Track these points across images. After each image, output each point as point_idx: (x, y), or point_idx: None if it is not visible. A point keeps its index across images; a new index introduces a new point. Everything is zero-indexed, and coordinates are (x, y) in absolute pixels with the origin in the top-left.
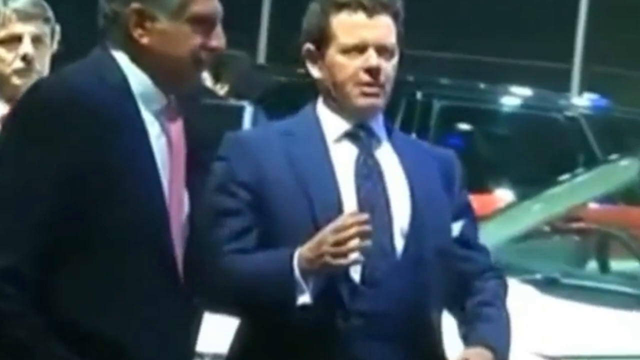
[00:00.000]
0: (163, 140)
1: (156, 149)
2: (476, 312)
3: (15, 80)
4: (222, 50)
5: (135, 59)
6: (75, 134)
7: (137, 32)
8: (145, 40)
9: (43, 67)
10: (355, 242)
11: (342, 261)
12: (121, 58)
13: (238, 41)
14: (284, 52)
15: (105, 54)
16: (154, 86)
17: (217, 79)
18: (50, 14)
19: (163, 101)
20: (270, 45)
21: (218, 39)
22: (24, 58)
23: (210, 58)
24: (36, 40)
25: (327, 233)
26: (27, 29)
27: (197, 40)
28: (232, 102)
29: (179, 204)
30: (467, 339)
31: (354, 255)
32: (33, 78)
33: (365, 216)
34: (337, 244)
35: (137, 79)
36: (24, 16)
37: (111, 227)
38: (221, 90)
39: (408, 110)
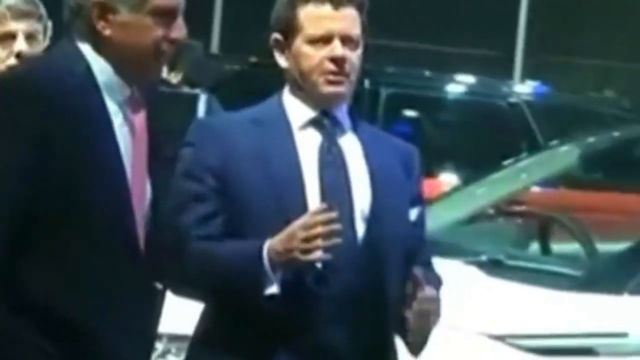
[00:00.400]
0: (126, 129)
1: (119, 138)
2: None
3: None
4: (183, 42)
5: (99, 50)
6: (40, 122)
7: (99, 24)
8: (107, 32)
9: None
10: (323, 242)
11: (311, 257)
12: (86, 49)
13: (191, 30)
14: (237, 41)
15: (71, 46)
16: (117, 77)
17: (171, 68)
18: (42, 11)
19: (126, 92)
20: (223, 34)
21: (179, 31)
22: (18, 55)
23: (171, 49)
24: (29, 37)
25: (296, 229)
26: (20, 27)
27: (159, 32)
28: (186, 90)
29: (141, 190)
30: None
31: (322, 253)
32: None
33: (333, 214)
34: (307, 240)
35: (102, 70)
36: (18, 14)
37: (76, 211)
38: (174, 78)
39: (356, 98)
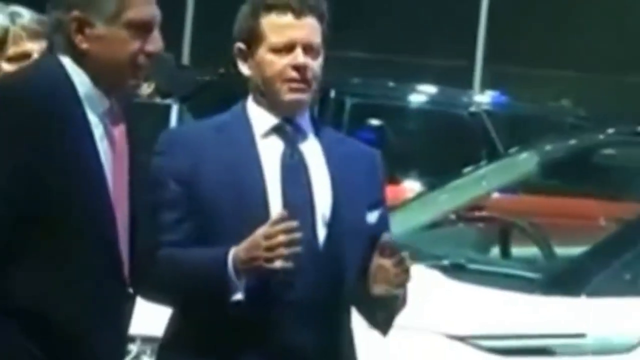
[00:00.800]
0: (106, 141)
1: (99, 148)
2: None
3: None
4: (159, 54)
5: (78, 63)
6: (25, 134)
7: (77, 38)
8: (85, 46)
9: None
10: (285, 250)
11: (274, 265)
12: (67, 62)
13: (163, 42)
14: (207, 53)
15: (53, 59)
16: (96, 89)
17: (145, 79)
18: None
19: (105, 104)
20: (193, 46)
21: (155, 43)
22: None
23: (148, 62)
24: None
25: (259, 238)
26: (35, 47)
27: (135, 45)
28: (159, 100)
29: (123, 203)
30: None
31: (284, 261)
32: None
33: (293, 223)
34: (269, 249)
35: (82, 82)
36: (33, 34)
37: (60, 223)
38: (148, 89)
39: (322, 107)
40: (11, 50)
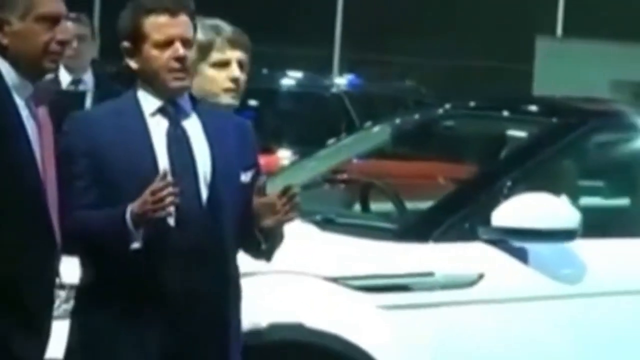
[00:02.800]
0: (32, 122)
1: (27, 127)
2: None
3: (225, 100)
4: (69, 41)
5: (2, 56)
6: None
7: None
8: (5, 41)
9: (243, 88)
10: (169, 199)
11: (161, 214)
12: None
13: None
14: (114, 48)
15: None
16: (20, 77)
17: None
18: (249, 43)
19: (30, 90)
20: (102, 41)
21: (63, 33)
22: (235, 80)
23: (61, 49)
24: (240, 65)
25: (147, 194)
26: (235, 55)
27: (46, 35)
28: (74, 88)
29: (51, 173)
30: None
31: (167, 210)
32: (239, 99)
33: (171, 180)
34: (154, 202)
35: (7, 72)
36: (234, 44)
37: None
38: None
39: None
40: (215, 57)
